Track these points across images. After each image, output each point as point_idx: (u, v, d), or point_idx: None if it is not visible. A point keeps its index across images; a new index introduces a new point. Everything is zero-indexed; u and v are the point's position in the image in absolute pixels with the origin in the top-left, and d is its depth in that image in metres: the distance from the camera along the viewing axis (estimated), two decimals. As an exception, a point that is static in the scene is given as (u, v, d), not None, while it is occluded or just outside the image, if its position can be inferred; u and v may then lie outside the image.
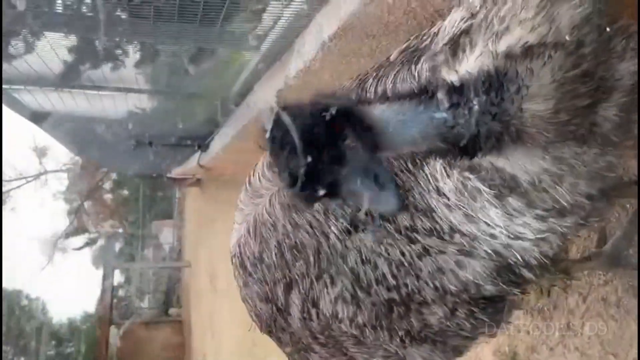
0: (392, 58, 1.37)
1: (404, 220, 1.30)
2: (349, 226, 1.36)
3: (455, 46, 1.12)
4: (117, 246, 20.53)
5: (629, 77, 1.22)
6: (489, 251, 1.27)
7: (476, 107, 1.06)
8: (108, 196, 18.40)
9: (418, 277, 1.34)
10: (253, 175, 1.61)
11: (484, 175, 1.20)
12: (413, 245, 1.31)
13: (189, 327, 12.49)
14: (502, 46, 1.06)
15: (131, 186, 17.00)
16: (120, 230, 19.67)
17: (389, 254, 1.33)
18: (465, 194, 1.22)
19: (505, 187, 1.21)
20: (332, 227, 1.37)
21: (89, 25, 2.57)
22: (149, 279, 15.89)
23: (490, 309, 1.43)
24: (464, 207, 1.24)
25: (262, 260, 1.51)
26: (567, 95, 1.07)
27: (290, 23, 2.24)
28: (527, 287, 1.40)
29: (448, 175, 1.24)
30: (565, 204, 1.22)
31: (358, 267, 1.37)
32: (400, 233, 1.31)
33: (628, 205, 2.23)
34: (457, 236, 1.28)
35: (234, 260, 1.70)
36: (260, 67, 2.84)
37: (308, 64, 2.23)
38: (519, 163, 1.18)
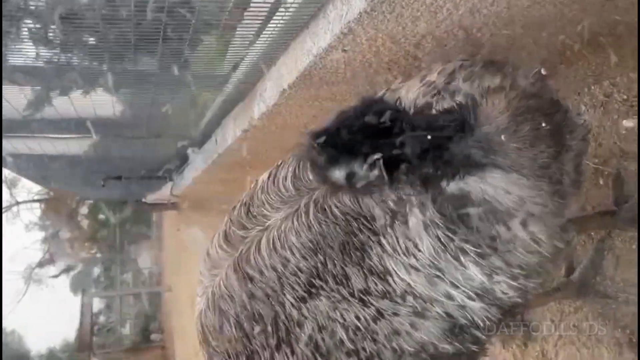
0: None
1: (357, 283, 1.30)
2: (303, 292, 1.35)
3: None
4: (96, 272, 20.14)
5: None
6: (442, 313, 1.28)
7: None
8: (84, 222, 18.07)
9: (375, 341, 1.34)
10: (211, 247, 1.59)
11: (466, 234, 1.22)
12: (367, 309, 1.31)
13: (172, 353, 12.29)
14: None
15: (107, 211, 16.74)
16: (99, 255, 19.32)
17: (344, 319, 1.33)
18: (445, 253, 1.24)
19: (489, 247, 1.23)
20: (288, 295, 1.36)
21: (46, 72, 2.53)
22: (130, 305, 15.62)
23: None
24: (433, 267, 1.25)
25: (222, 334, 1.49)
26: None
27: (252, 67, 2.24)
28: (484, 345, 1.41)
29: (427, 233, 1.25)
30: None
31: (315, 334, 1.36)
32: (353, 296, 1.31)
33: (593, 234, 2.27)
34: (409, 298, 1.28)
35: (198, 334, 1.67)
36: (225, 106, 2.82)
37: (270, 108, 2.23)
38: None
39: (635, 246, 2.08)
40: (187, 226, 10.51)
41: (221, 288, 1.48)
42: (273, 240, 1.39)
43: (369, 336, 1.33)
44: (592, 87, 2.16)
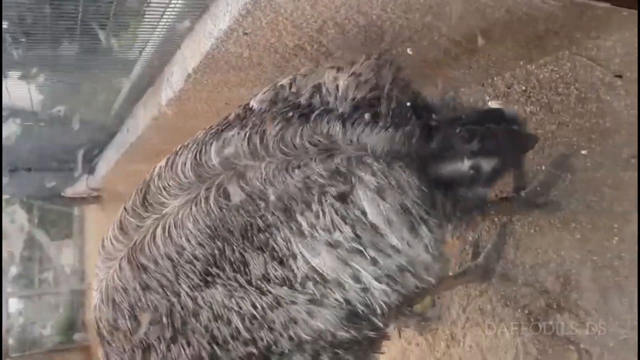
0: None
1: (255, 269, 1.28)
2: (199, 281, 1.31)
3: None
4: (13, 271, 18.95)
5: None
6: (340, 299, 1.29)
7: None
8: (-2, 218, 16.89)
9: (272, 329, 1.32)
10: (106, 239, 1.51)
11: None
12: (264, 297, 1.29)
13: (97, 352, 11.80)
14: None
15: (23, 207, 15.75)
16: (16, 253, 18.17)
17: (240, 308, 1.30)
18: (363, 226, 1.26)
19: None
20: (183, 285, 1.31)
21: None
22: (50, 304, 14.81)
23: (355, 347, 1.44)
24: (356, 241, 1.25)
25: (117, 328, 1.42)
26: None
27: (158, 50, 2.14)
28: (382, 331, 1.43)
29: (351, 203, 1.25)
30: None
31: (211, 324, 1.32)
32: (250, 284, 1.29)
33: (496, 220, 2.36)
34: (309, 285, 1.28)
35: (94, 330, 1.59)
36: (133, 93, 2.70)
37: (178, 94, 2.15)
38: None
39: (533, 230, 2.19)
40: (109, 221, 10.10)
41: (115, 280, 1.41)
42: (169, 228, 1.34)
43: (265, 325, 1.32)
44: (495, 79, 2.24)
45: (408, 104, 1.36)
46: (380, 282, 1.29)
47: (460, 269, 2.42)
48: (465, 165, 1.35)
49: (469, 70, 2.09)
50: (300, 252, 1.26)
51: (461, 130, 1.34)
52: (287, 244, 1.26)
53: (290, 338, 1.32)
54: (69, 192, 8.72)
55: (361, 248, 1.26)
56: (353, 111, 1.35)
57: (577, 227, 2.00)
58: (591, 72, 1.89)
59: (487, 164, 1.38)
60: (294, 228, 1.26)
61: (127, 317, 1.39)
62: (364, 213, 1.25)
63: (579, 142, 1.95)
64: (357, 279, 1.30)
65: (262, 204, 1.27)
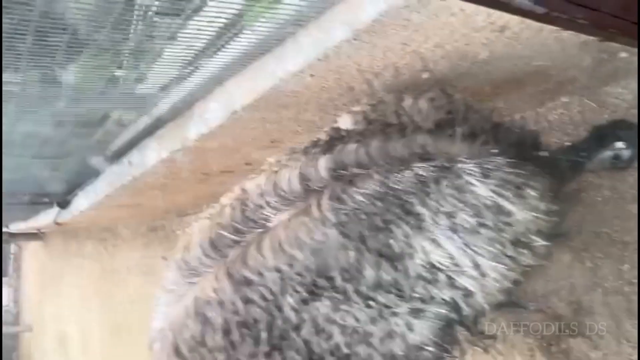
0: None
1: (368, 274, 1.36)
2: (306, 293, 1.37)
3: None
4: None
5: None
6: (447, 297, 1.39)
7: None
8: None
9: (369, 344, 1.40)
10: (186, 252, 1.54)
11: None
12: (368, 310, 1.36)
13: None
14: None
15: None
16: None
17: (344, 321, 1.37)
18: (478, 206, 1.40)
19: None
20: (288, 298, 1.36)
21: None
22: (-23, 350, 13.65)
23: None
24: (469, 225, 1.39)
25: (203, 344, 1.44)
26: None
27: (193, 88, 2.19)
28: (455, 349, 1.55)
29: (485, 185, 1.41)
30: None
31: (312, 338, 1.38)
32: (359, 294, 1.36)
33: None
34: (419, 287, 1.37)
35: (158, 347, 1.59)
36: (148, 127, 2.70)
37: (213, 129, 2.20)
38: None
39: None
40: (53, 259, 9.60)
41: (208, 294, 1.44)
42: (279, 240, 1.39)
43: (364, 340, 1.39)
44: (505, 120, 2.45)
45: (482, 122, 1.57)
46: (498, 262, 1.42)
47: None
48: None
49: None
50: (421, 245, 1.36)
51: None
52: (406, 239, 1.36)
53: (384, 355, 1.39)
54: (16, 227, 8.25)
55: (481, 229, 1.39)
56: (437, 127, 1.53)
57: (587, 256, 2.19)
58: (599, 114, 2.12)
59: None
60: (413, 222, 1.36)
61: (219, 332, 1.41)
62: (476, 195, 1.39)
63: (587, 178, 2.16)
64: (475, 264, 1.41)
65: (379, 204, 1.36)
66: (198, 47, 2.02)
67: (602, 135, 1.86)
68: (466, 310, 1.47)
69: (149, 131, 2.78)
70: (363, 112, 1.63)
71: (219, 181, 3.15)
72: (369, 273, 1.37)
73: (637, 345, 1.96)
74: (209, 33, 1.85)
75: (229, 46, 1.86)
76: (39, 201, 4.40)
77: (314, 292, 1.37)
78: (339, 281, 1.37)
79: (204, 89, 2.17)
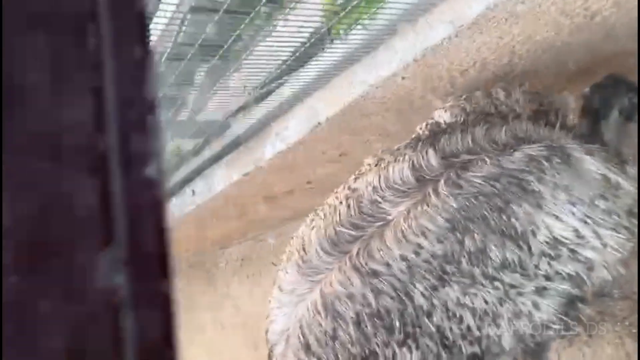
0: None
1: (494, 256, 1.40)
2: (435, 280, 1.41)
3: None
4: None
5: None
6: (571, 271, 1.44)
7: None
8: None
9: (498, 326, 1.44)
10: (304, 252, 1.59)
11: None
12: (495, 292, 1.40)
13: None
14: None
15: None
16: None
17: (473, 304, 1.41)
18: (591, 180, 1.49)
19: None
20: (418, 286, 1.40)
21: None
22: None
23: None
24: (587, 197, 1.46)
25: (335, 338, 1.47)
26: None
27: (270, 110, 2.28)
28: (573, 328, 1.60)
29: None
30: None
31: (444, 324, 1.41)
32: (486, 277, 1.40)
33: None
34: (544, 263, 1.41)
35: (281, 349, 1.62)
36: (215, 155, 2.79)
37: (291, 146, 2.27)
38: None
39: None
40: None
41: (336, 289, 1.47)
42: (402, 230, 1.44)
43: (494, 321, 1.42)
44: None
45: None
46: (616, 232, 1.48)
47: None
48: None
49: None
50: (543, 221, 1.42)
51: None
52: (528, 216, 1.41)
53: (514, 333, 1.43)
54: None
55: (597, 200, 1.46)
56: (535, 116, 1.62)
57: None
58: None
59: None
60: (532, 199, 1.42)
61: (351, 325, 1.45)
62: (587, 169, 1.47)
63: None
64: (597, 234, 1.46)
65: (497, 184, 1.42)
66: (277, 64, 2.12)
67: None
68: (589, 284, 1.51)
69: (215, 159, 2.86)
70: (459, 106, 1.70)
71: (281, 204, 3.21)
72: (494, 254, 1.41)
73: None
74: (290, 49, 1.95)
75: (312, 61, 1.95)
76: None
77: (442, 278, 1.41)
78: (465, 265, 1.41)
79: (282, 109, 2.26)
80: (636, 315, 2.34)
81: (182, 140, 3.04)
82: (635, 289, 2.34)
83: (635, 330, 2.36)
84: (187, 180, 3.17)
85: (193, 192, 3.13)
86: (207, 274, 5.82)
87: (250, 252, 4.93)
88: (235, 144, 2.61)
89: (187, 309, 6.26)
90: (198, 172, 3.03)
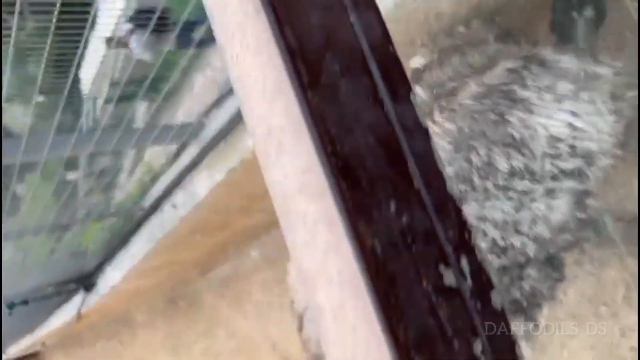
0: None
1: (501, 166, 1.45)
2: None
3: None
4: None
5: None
6: (578, 164, 1.51)
7: None
8: None
9: (520, 233, 1.49)
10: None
11: None
12: (509, 202, 1.46)
13: None
14: None
15: None
16: None
17: (493, 217, 1.46)
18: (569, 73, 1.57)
19: None
20: None
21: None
22: None
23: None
24: (569, 90, 1.52)
25: None
26: None
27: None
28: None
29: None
30: None
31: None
32: (498, 188, 1.45)
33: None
34: (547, 164, 1.47)
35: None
36: (192, 161, 2.71)
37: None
38: None
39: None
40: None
41: None
42: None
43: (515, 229, 1.47)
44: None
45: None
46: (606, 116, 1.54)
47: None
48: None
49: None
50: (538, 123, 1.47)
51: None
52: (523, 123, 1.46)
53: (535, 239, 1.47)
54: (13, 350, 7.73)
55: (580, 93, 1.52)
56: (501, 38, 1.78)
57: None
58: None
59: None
60: (522, 106, 1.47)
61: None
62: (564, 67, 1.54)
63: None
64: (589, 123, 1.53)
65: (487, 101, 1.47)
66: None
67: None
68: (591, 177, 1.58)
69: (192, 166, 2.78)
70: (429, 47, 1.78)
71: (257, 208, 3.11)
72: (502, 165, 1.47)
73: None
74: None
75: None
76: (64, 289, 4.21)
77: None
78: (477, 181, 1.46)
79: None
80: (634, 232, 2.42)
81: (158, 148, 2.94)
82: (626, 207, 2.44)
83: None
84: (163, 197, 3.06)
85: (174, 205, 3.03)
86: (189, 306, 5.58)
87: (234, 270, 4.76)
88: (214, 143, 2.55)
89: (172, 352, 5.96)
90: (175, 183, 2.93)
